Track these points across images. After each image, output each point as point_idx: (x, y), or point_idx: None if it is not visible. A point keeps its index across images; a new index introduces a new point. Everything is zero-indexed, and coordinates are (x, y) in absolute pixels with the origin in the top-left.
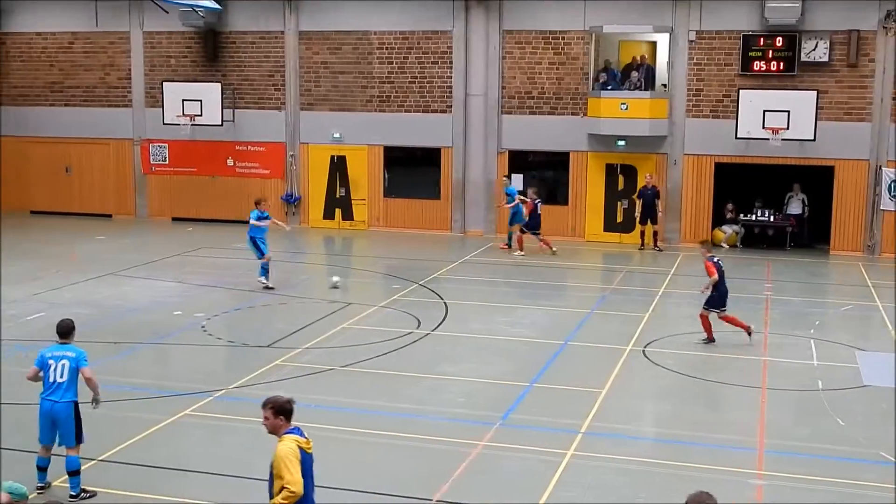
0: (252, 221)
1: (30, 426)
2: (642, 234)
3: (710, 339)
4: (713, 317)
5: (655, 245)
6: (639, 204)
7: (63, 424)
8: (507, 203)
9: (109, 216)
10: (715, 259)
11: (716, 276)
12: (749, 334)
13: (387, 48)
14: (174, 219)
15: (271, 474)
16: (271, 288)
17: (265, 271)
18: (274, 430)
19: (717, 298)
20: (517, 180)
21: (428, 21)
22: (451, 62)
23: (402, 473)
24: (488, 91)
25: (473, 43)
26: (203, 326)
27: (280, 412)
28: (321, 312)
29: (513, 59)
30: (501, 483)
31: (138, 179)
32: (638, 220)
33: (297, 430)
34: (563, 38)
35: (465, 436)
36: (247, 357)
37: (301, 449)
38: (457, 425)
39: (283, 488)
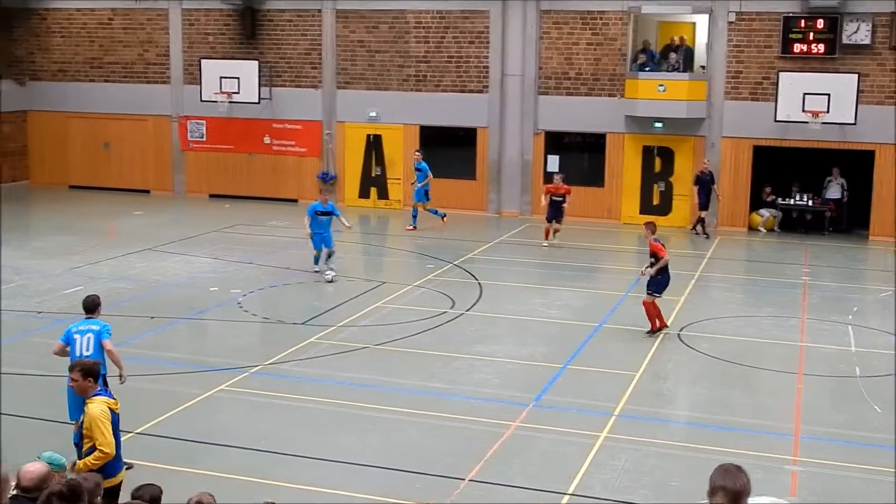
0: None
1: (62, 398)
2: (701, 220)
3: (660, 327)
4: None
5: (703, 231)
6: (695, 191)
7: None
8: (419, 181)
9: (147, 192)
10: (660, 241)
11: (668, 257)
12: (654, 332)
13: (423, 27)
14: (211, 195)
15: (80, 434)
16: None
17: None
18: (83, 392)
19: (663, 282)
20: (553, 161)
21: (465, 0)
22: (488, 42)
23: (435, 452)
24: (525, 71)
25: (511, 23)
26: (239, 302)
27: (88, 374)
28: (356, 291)
29: (550, 39)
30: (534, 464)
31: (176, 156)
32: (698, 206)
33: (106, 392)
34: (601, 19)
35: (498, 416)
36: (282, 333)
37: (110, 409)
38: (490, 405)
39: (94, 448)
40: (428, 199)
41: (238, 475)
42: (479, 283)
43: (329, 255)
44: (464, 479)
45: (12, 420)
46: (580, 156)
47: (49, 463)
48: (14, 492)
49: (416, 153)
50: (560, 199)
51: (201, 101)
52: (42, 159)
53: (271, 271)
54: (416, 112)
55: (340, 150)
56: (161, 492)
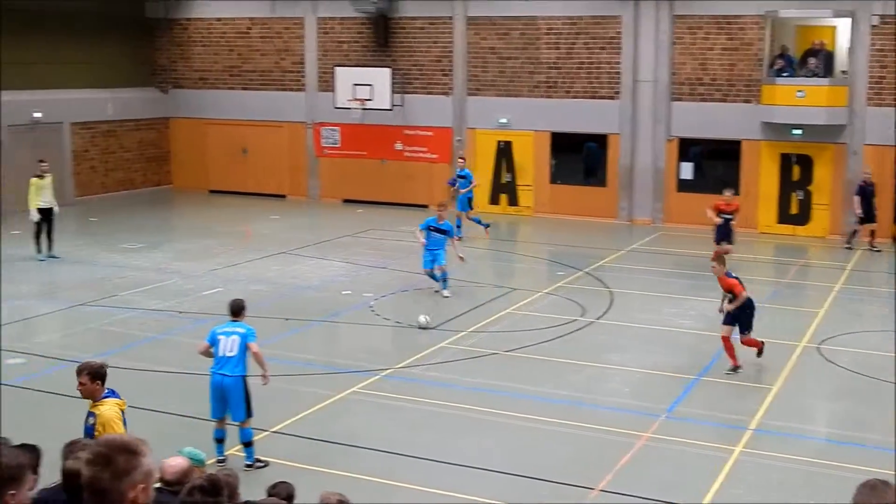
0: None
1: (204, 395)
2: (855, 232)
3: (734, 367)
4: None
5: (871, 244)
6: (857, 201)
7: (232, 398)
8: (461, 187)
9: (283, 197)
10: (734, 274)
11: (746, 294)
12: (736, 369)
13: (554, 33)
14: (344, 200)
15: (92, 436)
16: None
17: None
18: (91, 395)
19: (746, 317)
20: (686, 168)
21: (597, 6)
22: (619, 47)
23: (564, 461)
24: (658, 77)
25: (643, 28)
26: (371, 306)
27: (96, 377)
28: (486, 297)
29: (683, 44)
30: (666, 477)
31: (311, 161)
32: (860, 218)
33: (114, 393)
34: (736, 23)
35: (628, 426)
36: (413, 338)
37: (121, 410)
38: (620, 415)
39: None
40: (471, 208)
41: (367, 476)
42: (610, 292)
43: (442, 277)
44: (593, 489)
45: (155, 416)
46: (713, 163)
47: (189, 458)
48: (157, 485)
49: (460, 160)
50: (730, 216)
51: (335, 107)
52: (183, 164)
53: (403, 276)
54: (546, 118)
55: (471, 157)
56: (294, 490)
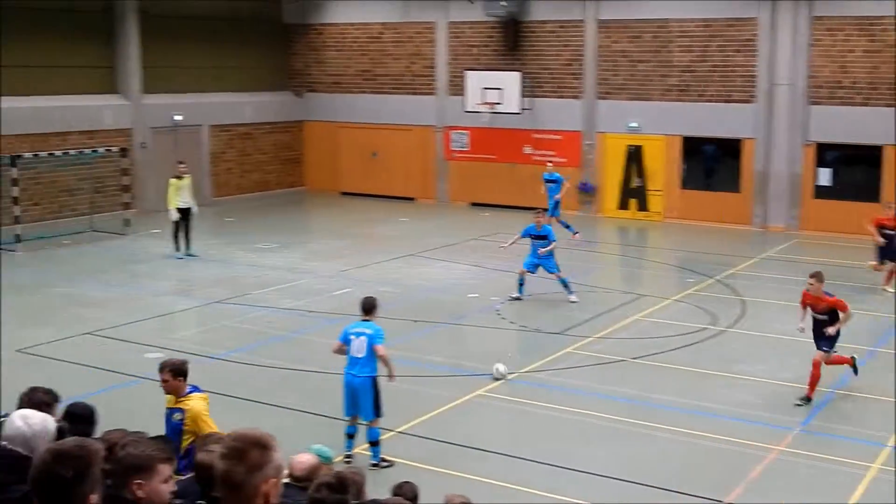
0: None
1: (332, 394)
2: None
3: (808, 398)
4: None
5: None
6: None
7: (361, 398)
8: (554, 194)
9: (412, 199)
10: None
11: (851, 311)
12: (810, 400)
13: (688, 36)
14: (472, 204)
15: (179, 431)
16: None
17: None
18: (175, 391)
19: (836, 337)
20: (824, 174)
21: (732, 8)
22: (755, 50)
23: (692, 471)
24: (795, 80)
25: (780, 30)
26: (497, 310)
27: (178, 374)
28: (613, 303)
29: (822, 46)
30: (799, 491)
31: (440, 165)
32: None
33: (196, 388)
34: (879, 24)
35: (760, 439)
36: (538, 342)
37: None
38: (751, 427)
39: (193, 444)
40: (558, 213)
41: (489, 479)
42: (742, 300)
43: (563, 283)
44: (721, 502)
45: (283, 412)
46: (852, 169)
47: (318, 455)
48: (286, 480)
49: (549, 164)
50: (894, 232)
51: (464, 111)
52: (316, 167)
53: (529, 279)
54: (678, 122)
55: (600, 161)
56: (419, 490)
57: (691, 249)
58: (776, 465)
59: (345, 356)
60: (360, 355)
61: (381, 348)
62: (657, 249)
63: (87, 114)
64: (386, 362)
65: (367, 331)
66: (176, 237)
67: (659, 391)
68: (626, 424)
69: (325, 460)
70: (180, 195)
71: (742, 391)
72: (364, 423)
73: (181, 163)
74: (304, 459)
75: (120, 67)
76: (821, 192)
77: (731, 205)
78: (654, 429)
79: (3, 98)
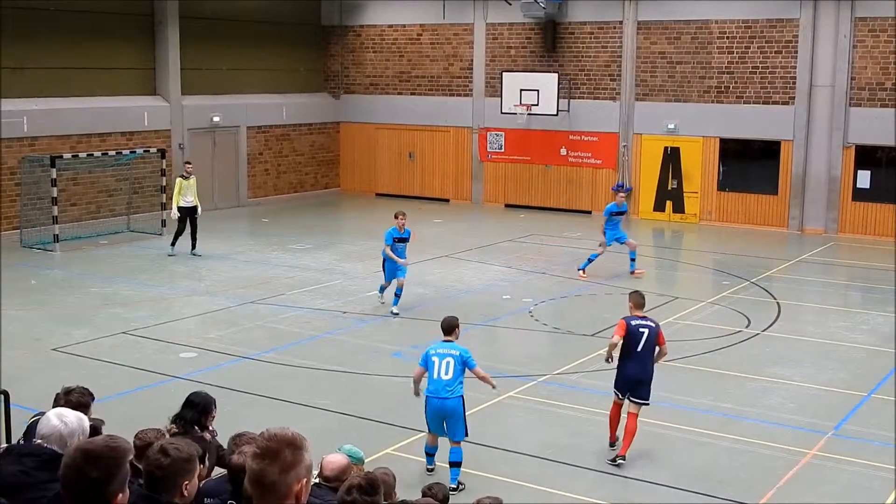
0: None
1: (365, 394)
2: None
3: None
4: None
5: None
6: None
7: (451, 419)
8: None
9: (447, 200)
10: None
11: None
12: None
13: (727, 37)
14: (507, 205)
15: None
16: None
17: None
18: None
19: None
20: (864, 177)
21: (773, 9)
22: (796, 51)
23: (723, 474)
24: (836, 82)
25: (822, 31)
26: (530, 312)
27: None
28: (648, 305)
29: (865, 48)
30: (832, 496)
31: (475, 166)
32: None
33: None
34: None
35: (792, 442)
36: (571, 344)
37: None
38: (785, 431)
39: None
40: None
41: (521, 481)
42: (778, 303)
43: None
44: None
45: (316, 412)
46: (892, 171)
47: (349, 455)
48: (316, 480)
49: (621, 195)
50: None
51: (501, 113)
52: (352, 168)
53: (563, 282)
54: (716, 124)
55: (636, 163)
56: (449, 491)
57: (727, 252)
58: (808, 470)
59: (424, 380)
60: (447, 378)
61: (479, 371)
62: (693, 252)
63: (126, 115)
64: (485, 379)
65: (454, 352)
66: (178, 235)
67: (692, 394)
68: (658, 427)
69: (357, 461)
70: (184, 194)
71: (775, 395)
72: (453, 442)
73: (188, 163)
74: (335, 460)
75: (160, 69)
76: (859, 195)
77: (768, 207)
78: (685, 431)
79: (44, 100)
